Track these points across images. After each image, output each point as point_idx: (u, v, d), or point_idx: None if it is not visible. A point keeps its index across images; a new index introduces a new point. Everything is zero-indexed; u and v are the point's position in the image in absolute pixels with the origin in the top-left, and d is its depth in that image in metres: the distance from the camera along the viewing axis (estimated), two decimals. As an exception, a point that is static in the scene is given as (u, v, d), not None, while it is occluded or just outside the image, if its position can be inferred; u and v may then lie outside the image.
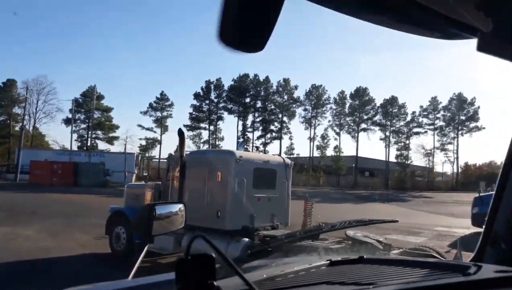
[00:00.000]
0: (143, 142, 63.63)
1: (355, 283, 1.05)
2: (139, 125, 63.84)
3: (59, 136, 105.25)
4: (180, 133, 7.92)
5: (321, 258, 1.46)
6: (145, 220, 1.67)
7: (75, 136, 59.57)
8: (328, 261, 1.37)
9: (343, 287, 1.02)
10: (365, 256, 1.41)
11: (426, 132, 63.10)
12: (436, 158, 65.17)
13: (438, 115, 62.84)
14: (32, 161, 42.07)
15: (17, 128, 58.52)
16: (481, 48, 0.99)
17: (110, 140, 63.73)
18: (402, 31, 1.03)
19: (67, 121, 60.93)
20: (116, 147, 62.22)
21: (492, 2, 0.94)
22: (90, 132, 59.43)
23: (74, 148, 56.68)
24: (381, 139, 64.05)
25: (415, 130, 63.36)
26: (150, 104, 64.96)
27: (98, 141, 63.46)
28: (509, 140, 1.49)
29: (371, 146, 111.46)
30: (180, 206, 1.85)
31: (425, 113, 63.20)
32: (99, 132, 63.24)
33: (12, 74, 73.36)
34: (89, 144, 61.50)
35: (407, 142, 62.84)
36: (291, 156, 59.16)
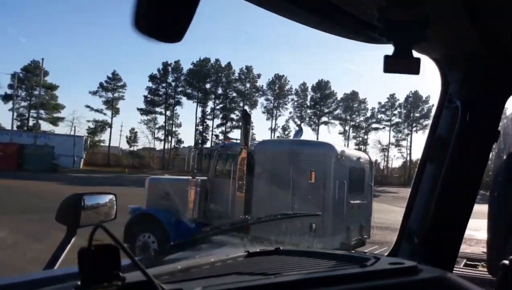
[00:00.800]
0: (91, 125, 59.81)
1: (263, 273, 1.07)
2: (88, 106, 60.26)
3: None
4: (245, 115, 6.07)
5: (245, 248, 1.45)
6: (73, 210, 1.58)
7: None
8: (246, 253, 1.40)
9: (251, 277, 1.05)
10: (281, 248, 1.43)
11: (384, 128, 64.73)
12: (390, 153, 67.16)
13: (395, 112, 64.64)
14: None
15: None
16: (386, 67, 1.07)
17: (54, 121, 59.09)
18: (327, 32, 1.20)
19: (5, 98, 55.10)
20: (61, 129, 57.78)
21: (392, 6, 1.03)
22: (36, 111, 53.59)
23: (14, 128, 51.40)
24: (340, 133, 64.72)
25: (374, 125, 64.77)
26: (101, 84, 60.98)
27: (41, 122, 57.99)
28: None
29: (329, 139, 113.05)
30: (111, 197, 1.79)
31: (383, 109, 64.71)
32: (42, 111, 57.69)
33: None
34: (31, 124, 55.90)
35: (366, 137, 64.06)
36: (252, 146, 57.72)
